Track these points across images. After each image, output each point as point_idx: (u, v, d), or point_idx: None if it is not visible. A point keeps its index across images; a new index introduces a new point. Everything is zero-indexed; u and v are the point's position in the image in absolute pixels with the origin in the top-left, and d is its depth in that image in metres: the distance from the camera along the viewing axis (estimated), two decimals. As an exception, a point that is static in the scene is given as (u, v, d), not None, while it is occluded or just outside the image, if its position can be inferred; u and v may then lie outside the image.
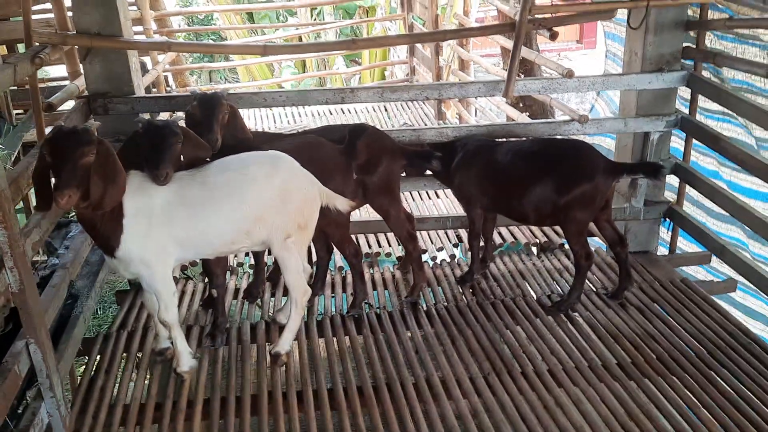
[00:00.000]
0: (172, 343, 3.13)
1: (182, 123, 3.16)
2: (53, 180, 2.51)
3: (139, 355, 3.35)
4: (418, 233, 3.84)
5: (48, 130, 3.38)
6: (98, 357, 3.28)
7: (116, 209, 2.73)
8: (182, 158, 2.96)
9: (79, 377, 3.59)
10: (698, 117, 4.14)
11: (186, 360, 3.08)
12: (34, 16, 4.44)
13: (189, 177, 2.92)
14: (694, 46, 3.94)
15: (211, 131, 3.16)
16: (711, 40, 4.26)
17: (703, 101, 4.15)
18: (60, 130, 2.51)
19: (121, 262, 2.85)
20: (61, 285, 2.94)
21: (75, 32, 3.50)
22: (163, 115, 4.59)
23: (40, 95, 3.39)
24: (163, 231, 2.83)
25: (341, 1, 10.07)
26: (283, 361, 3.20)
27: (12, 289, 2.32)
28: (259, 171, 2.95)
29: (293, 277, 3.14)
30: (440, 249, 4.61)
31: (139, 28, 6.75)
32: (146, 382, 3.13)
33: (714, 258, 4.29)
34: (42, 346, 2.46)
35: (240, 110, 3.45)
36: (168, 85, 7.57)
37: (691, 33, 3.98)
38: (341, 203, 3.19)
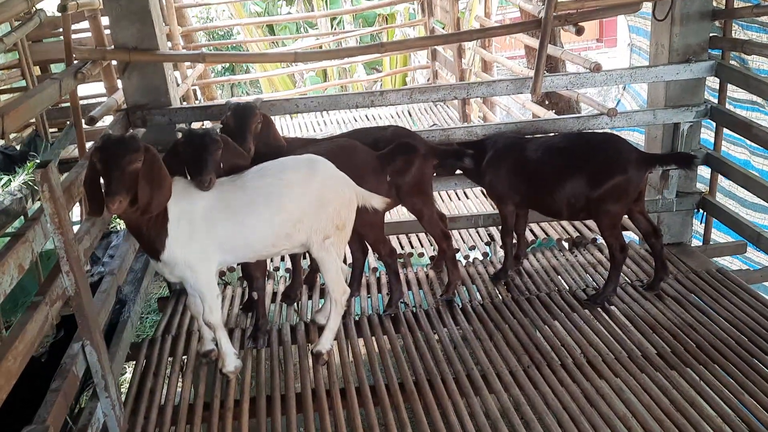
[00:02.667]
0: (216, 345, 3.21)
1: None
2: (103, 186, 2.61)
3: (185, 358, 3.44)
4: (450, 232, 3.88)
5: (89, 144, 3.52)
6: (145, 361, 3.38)
7: (161, 214, 2.82)
8: (221, 165, 3.05)
9: (127, 382, 3.68)
10: (727, 106, 4.13)
11: (231, 360, 3.16)
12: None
13: (229, 182, 3.01)
14: (721, 36, 3.94)
15: (244, 141, 3.25)
16: (735, 31, 4.25)
17: (731, 92, 4.15)
18: (108, 138, 2.62)
19: (167, 265, 2.94)
20: (111, 290, 3.04)
21: (113, 47, 3.62)
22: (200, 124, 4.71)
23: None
24: (205, 235, 2.92)
25: (361, 10, 10.17)
26: (325, 359, 3.26)
27: (68, 293, 2.41)
28: (297, 175, 3.03)
29: (332, 277, 3.20)
30: (472, 248, 4.64)
31: (168, 44, 6.91)
32: (192, 383, 3.21)
33: (749, 248, 4.27)
34: (97, 347, 2.55)
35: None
36: (196, 99, 7.73)
37: (717, 23, 3.99)
38: (377, 202, 3.25)
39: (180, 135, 3.07)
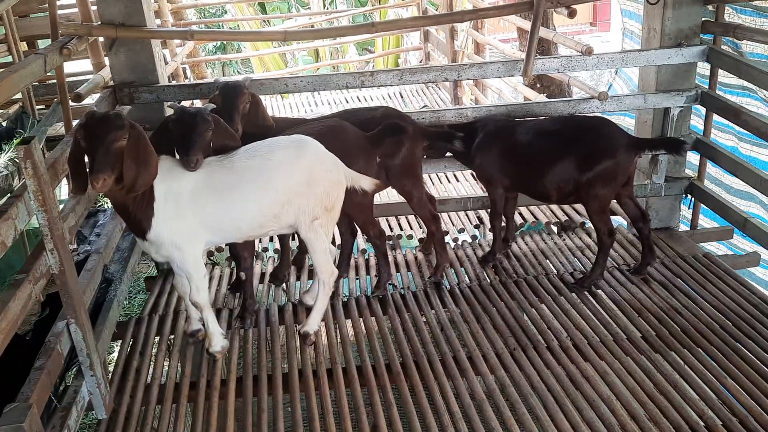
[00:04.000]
0: (203, 325, 3.21)
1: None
2: (87, 164, 2.58)
3: (172, 337, 3.43)
4: (439, 215, 3.88)
5: (75, 122, 3.47)
6: (132, 340, 3.37)
7: (147, 193, 2.80)
8: (211, 146, 3.02)
9: (113, 361, 3.68)
10: (718, 92, 4.12)
11: (218, 340, 3.16)
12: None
13: (217, 162, 2.98)
14: (713, 20, 3.92)
15: (231, 120, 3.21)
16: (729, 14, 4.24)
17: (722, 77, 4.14)
18: (93, 116, 2.58)
19: (153, 244, 2.93)
20: (96, 269, 3.02)
21: (100, 23, 3.56)
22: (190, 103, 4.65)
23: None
24: (192, 215, 2.90)
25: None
26: (312, 340, 3.26)
27: (53, 271, 2.39)
28: (285, 155, 3.01)
29: (321, 258, 3.19)
30: (461, 230, 4.64)
31: (157, 21, 6.82)
32: (179, 363, 3.21)
33: (735, 235, 4.29)
34: (82, 326, 2.54)
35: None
36: (186, 77, 7.65)
37: (710, 7, 3.98)
38: (366, 183, 3.24)
39: (171, 112, 3.03)
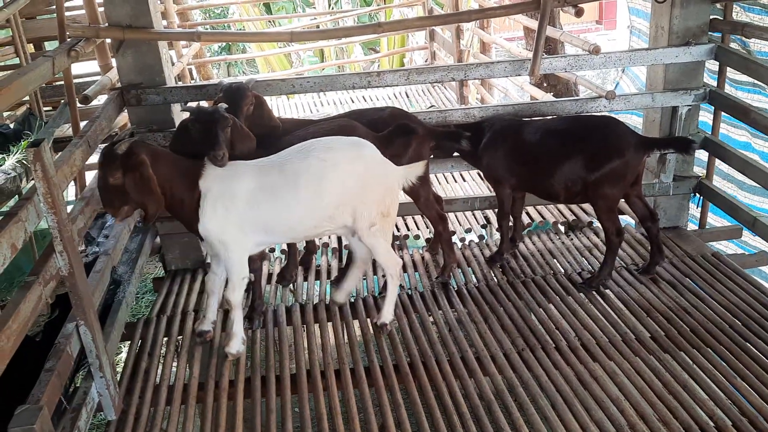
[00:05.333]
0: (213, 329, 3.25)
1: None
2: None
3: (180, 338, 3.44)
4: (446, 215, 3.87)
5: (83, 123, 3.50)
6: (140, 341, 3.38)
7: (189, 199, 2.93)
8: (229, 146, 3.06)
9: (122, 362, 3.69)
10: (728, 88, 4.10)
11: (236, 343, 3.17)
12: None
13: (269, 162, 3.02)
14: (721, 18, 3.90)
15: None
16: (737, 13, 4.21)
17: (732, 74, 4.12)
18: (102, 153, 2.79)
19: (204, 239, 3.03)
20: (105, 270, 3.03)
21: (107, 25, 3.57)
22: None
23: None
24: (243, 215, 2.96)
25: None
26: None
27: (62, 272, 2.40)
28: (341, 157, 3.00)
29: (384, 258, 3.25)
30: (468, 230, 4.64)
31: (163, 22, 6.84)
32: (187, 364, 3.22)
33: (744, 232, 4.27)
34: (91, 327, 2.55)
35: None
36: (192, 78, 7.67)
37: (718, 5, 3.95)
38: (418, 169, 3.24)
39: (188, 114, 3.08)
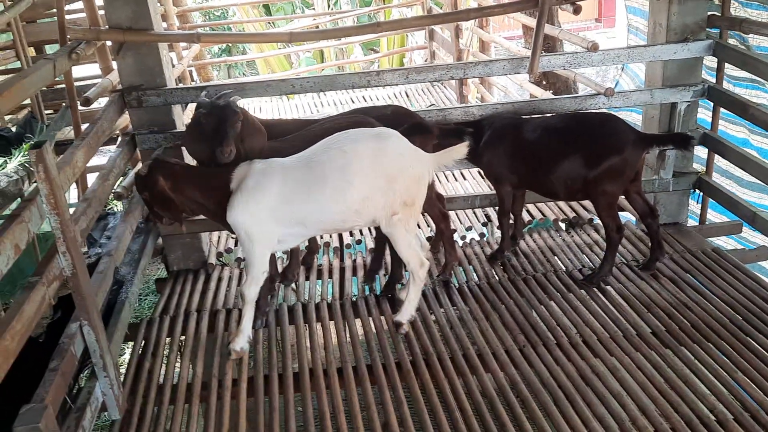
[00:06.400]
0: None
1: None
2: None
3: (182, 338, 3.46)
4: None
5: (84, 126, 3.51)
6: (143, 341, 3.39)
7: (218, 196, 3.05)
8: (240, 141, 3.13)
9: (126, 362, 3.71)
10: (727, 85, 4.11)
11: (242, 340, 3.19)
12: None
13: (296, 157, 3.07)
14: (719, 14, 3.91)
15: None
16: (735, 8, 4.23)
17: (730, 69, 4.13)
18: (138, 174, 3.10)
19: (231, 226, 3.09)
20: (108, 271, 3.04)
21: (107, 28, 3.58)
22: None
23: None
24: (271, 210, 3.00)
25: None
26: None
27: (65, 273, 2.42)
28: (365, 149, 2.99)
29: (404, 251, 3.19)
30: (469, 228, 4.65)
31: (163, 25, 6.86)
32: (190, 363, 3.23)
33: (744, 228, 4.28)
34: (95, 327, 2.56)
35: (262, 99, 3.50)
36: (192, 80, 7.69)
37: (716, 1, 3.96)
38: (459, 152, 3.15)
39: (201, 106, 3.14)
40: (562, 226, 4.52)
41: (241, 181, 3.02)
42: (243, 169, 3.05)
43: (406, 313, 3.33)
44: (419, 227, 4.64)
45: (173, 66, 6.30)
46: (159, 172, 3.01)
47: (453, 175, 5.43)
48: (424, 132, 3.43)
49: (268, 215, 3.00)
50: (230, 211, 3.02)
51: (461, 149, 3.14)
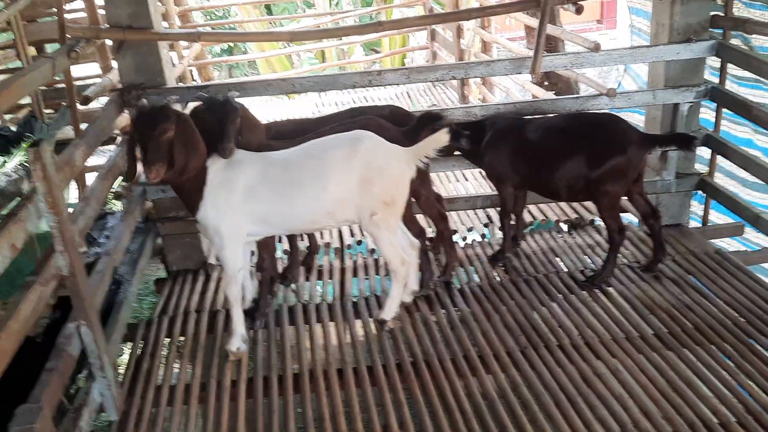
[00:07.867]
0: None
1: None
2: (140, 156, 2.81)
3: (181, 339, 3.44)
4: (447, 214, 3.86)
5: (83, 125, 3.50)
6: (142, 342, 3.37)
7: (199, 178, 2.96)
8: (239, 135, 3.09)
9: (124, 363, 3.69)
10: (730, 85, 4.09)
11: (236, 341, 3.18)
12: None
13: (274, 157, 3.07)
14: (723, 15, 3.89)
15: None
16: (738, 9, 4.20)
17: (734, 69, 4.10)
18: (141, 111, 2.78)
19: (200, 224, 3.08)
20: (106, 271, 3.02)
21: (107, 26, 3.57)
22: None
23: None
24: (242, 206, 3.00)
25: (359, -10, 10.07)
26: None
27: (63, 273, 2.40)
28: (339, 154, 3.00)
29: (386, 250, 3.19)
30: (470, 229, 4.62)
31: (164, 24, 6.84)
32: (189, 364, 3.21)
33: (747, 229, 4.25)
34: (92, 328, 2.54)
35: (263, 98, 3.49)
36: (193, 79, 7.68)
37: (719, 1, 3.94)
38: (438, 140, 3.05)
39: (201, 102, 3.12)
40: (564, 227, 4.49)
41: (216, 170, 3.00)
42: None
43: (389, 311, 3.34)
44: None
45: (174, 66, 6.29)
46: (173, 112, 2.85)
47: (454, 175, 5.41)
48: (436, 120, 3.39)
49: (235, 211, 3.01)
50: (199, 210, 3.02)
51: (441, 137, 3.06)
